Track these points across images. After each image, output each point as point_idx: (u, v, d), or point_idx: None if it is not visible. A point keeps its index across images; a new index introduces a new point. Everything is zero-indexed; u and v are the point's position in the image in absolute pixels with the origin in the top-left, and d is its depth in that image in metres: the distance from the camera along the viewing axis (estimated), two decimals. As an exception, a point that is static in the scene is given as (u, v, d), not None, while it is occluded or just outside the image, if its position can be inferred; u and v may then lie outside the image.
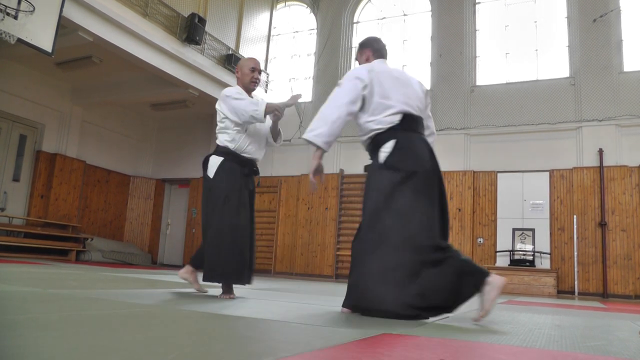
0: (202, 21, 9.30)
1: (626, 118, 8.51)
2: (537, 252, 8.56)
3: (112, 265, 9.27)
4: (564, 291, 8.28)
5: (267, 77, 11.67)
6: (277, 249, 10.80)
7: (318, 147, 2.53)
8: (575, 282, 8.16)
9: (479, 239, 9.09)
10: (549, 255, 8.57)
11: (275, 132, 3.38)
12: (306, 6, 12.14)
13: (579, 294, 8.14)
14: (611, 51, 8.85)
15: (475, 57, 10.04)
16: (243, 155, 3.21)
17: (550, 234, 8.64)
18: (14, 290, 2.61)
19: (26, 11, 6.32)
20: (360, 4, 11.58)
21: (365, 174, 2.74)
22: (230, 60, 10.09)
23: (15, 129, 9.82)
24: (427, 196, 2.45)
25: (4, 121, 9.56)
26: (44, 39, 6.65)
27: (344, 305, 2.62)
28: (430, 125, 2.79)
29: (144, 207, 12.39)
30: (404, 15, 11.08)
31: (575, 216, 8.45)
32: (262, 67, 11.98)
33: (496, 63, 9.97)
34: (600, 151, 8.51)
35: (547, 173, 8.87)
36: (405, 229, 2.36)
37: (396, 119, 2.55)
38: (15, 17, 6.20)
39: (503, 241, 8.89)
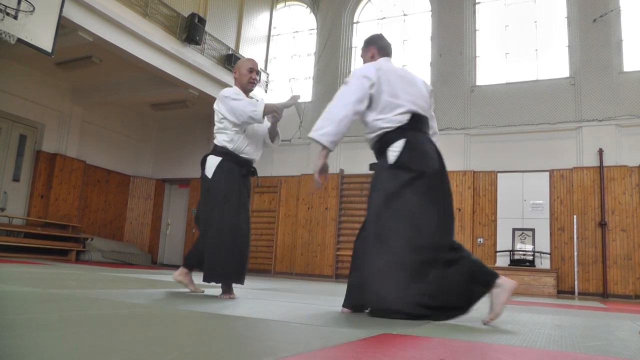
0: (202, 21, 9.30)
1: (626, 118, 8.51)
2: (537, 252, 8.56)
3: (112, 265, 9.27)
4: (564, 291, 8.28)
5: (267, 77, 11.67)
6: (277, 249, 10.80)
7: (324, 147, 2.52)
8: (575, 282, 8.17)
9: (479, 239, 9.09)
10: (549, 255, 8.57)
11: (273, 133, 3.39)
12: (306, 6, 12.14)
13: (579, 294, 8.14)
14: (611, 51, 8.85)
15: (475, 57, 10.04)
16: (241, 156, 3.22)
17: (550, 234, 8.64)
18: (14, 290, 2.61)
19: (26, 11, 6.31)
20: (360, 4, 11.58)
21: (371, 172, 2.72)
22: (230, 60, 10.09)
23: (15, 129, 9.82)
24: (436, 197, 2.44)
25: (4, 121, 9.56)
26: (44, 39, 6.65)
27: (344, 306, 2.62)
28: (433, 125, 2.78)
29: (144, 207, 12.39)
30: (404, 15, 11.08)
31: (575, 216, 8.45)
32: (262, 67, 12.04)
33: (496, 63, 9.97)
34: (600, 151, 8.51)
35: (547, 173, 8.87)
36: (416, 229, 2.35)
37: (405, 118, 2.54)
38: (15, 17, 6.20)
39: (503, 241, 8.89)
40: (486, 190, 9.21)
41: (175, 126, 12.47)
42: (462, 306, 2.29)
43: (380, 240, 2.38)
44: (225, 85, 9.17)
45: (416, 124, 2.57)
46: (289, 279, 9.42)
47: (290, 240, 10.71)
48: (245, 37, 11.47)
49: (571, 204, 8.60)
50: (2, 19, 6.04)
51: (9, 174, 9.69)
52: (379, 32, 3.02)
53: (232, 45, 10.85)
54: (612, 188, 8.37)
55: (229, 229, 3.08)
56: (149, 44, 8.37)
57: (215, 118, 3.23)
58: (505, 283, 2.24)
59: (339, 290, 5.42)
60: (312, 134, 2.54)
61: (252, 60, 3.38)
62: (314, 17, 11.97)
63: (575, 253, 8.25)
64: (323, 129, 2.51)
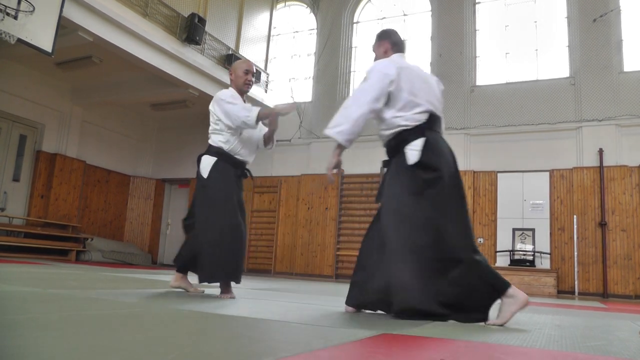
0: (202, 21, 9.30)
1: (626, 118, 8.51)
2: (537, 252, 8.56)
3: (112, 265, 9.27)
4: (564, 291, 8.28)
5: (267, 77, 11.67)
6: (277, 249, 10.80)
7: (339, 144, 2.52)
8: (576, 282, 8.16)
9: (479, 239, 9.09)
10: (549, 255, 8.57)
11: (268, 140, 3.41)
12: (306, 6, 12.14)
13: (579, 294, 8.14)
14: (611, 51, 8.85)
15: (475, 57, 10.04)
16: (236, 157, 3.24)
17: (550, 234, 8.64)
18: (14, 290, 2.61)
19: (26, 11, 6.31)
20: (360, 4, 11.58)
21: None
22: (230, 60, 10.09)
23: (15, 129, 9.82)
24: (456, 198, 2.43)
25: (4, 121, 9.56)
26: (44, 39, 6.65)
27: (348, 304, 2.61)
28: (442, 125, 2.79)
29: (144, 207, 12.39)
30: (404, 15, 11.08)
31: (575, 216, 8.45)
32: (262, 67, 12.03)
33: (496, 63, 9.97)
34: (600, 151, 8.51)
35: (547, 173, 8.87)
36: (438, 230, 2.33)
37: (423, 117, 2.53)
38: (15, 17, 6.20)
39: (503, 241, 8.89)
40: (486, 190, 9.21)
41: (175, 126, 12.48)
42: (480, 310, 2.28)
43: (404, 242, 2.36)
44: (225, 85, 9.17)
45: (432, 124, 2.55)
46: (289, 279, 9.42)
47: (290, 240, 10.71)
48: (245, 37, 11.47)
49: (571, 204, 8.60)
50: (2, 19, 6.04)
51: (9, 174, 9.69)
52: (392, 28, 2.96)
53: (232, 45, 10.85)
54: (612, 188, 8.37)
55: (230, 228, 3.08)
56: (149, 44, 8.36)
57: (211, 119, 3.24)
58: (518, 294, 2.24)
59: (339, 290, 5.42)
60: (328, 130, 2.54)
61: (248, 62, 3.40)
62: (314, 17, 11.97)
63: (576, 253, 8.25)
64: (339, 126, 2.50)
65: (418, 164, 2.43)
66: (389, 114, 2.54)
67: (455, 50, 10.04)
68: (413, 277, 2.29)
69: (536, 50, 9.71)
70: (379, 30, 2.90)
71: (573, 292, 8.17)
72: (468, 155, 9.46)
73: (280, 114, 3.19)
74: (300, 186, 10.82)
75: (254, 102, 10.84)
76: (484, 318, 2.28)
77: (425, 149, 2.44)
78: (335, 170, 2.58)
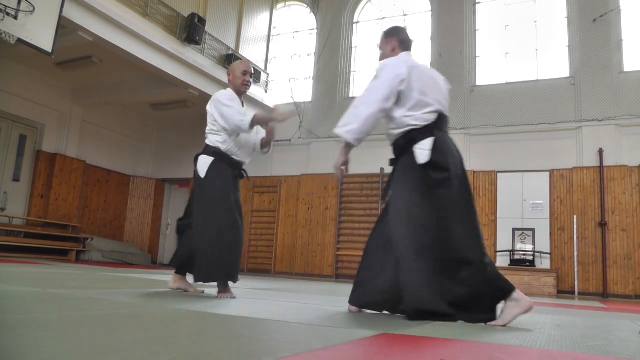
0: (202, 21, 9.30)
1: (626, 118, 8.51)
2: (537, 252, 8.56)
3: (112, 265, 9.27)
4: (564, 291, 8.28)
5: (267, 77, 11.67)
6: (277, 249, 10.80)
7: (347, 143, 2.51)
8: (576, 282, 8.16)
9: (479, 239, 9.08)
10: (549, 255, 8.57)
11: (265, 144, 3.44)
12: (306, 6, 12.14)
13: (579, 294, 8.14)
14: (611, 51, 8.85)
15: (475, 57, 10.04)
16: (233, 157, 3.25)
17: (550, 234, 8.64)
18: (14, 290, 2.61)
19: (26, 11, 6.31)
20: (360, 4, 11.58)
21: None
22: (230, 60, 10.09)
23: (15, 129, 9.82)
24: (465, 198, 2.43)
25: (4, 121, 9.56)
26: (44, 39, 6.65)
27: (352, 303, 2.60)
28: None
29: (144, 207, 12.39)
30: (404, 15, 11.08)
31: (575, 216, 8.45)
32: (262, 67, 12.02)
33: (496, 63, 9.97)
34: (600, 151, 8.51)
35: (547, 173, 8.87)
36: (449, 230, 2.32)
37: (433, 117, 2.51)
38: (15, 17, 6.20)
39: (503, 241, 8.89)
40: (486, 190, 9.21)
41: (175, 126, 12.48)
42: (487, 311, 2.28)
43: (413, 242, 2.34)
44: (225, 85, 9.17)
45: (441, 123, 2.54)
46: (289, 279, 9.42)
47: (290, 240, 10.71)
48: (245, 37, 11.47)
49: (571, 204, 8.60)
50: (2, 19, 6.04)
51: (9, 174, 9.69)
52: (401, 25, 2.93)
53: (232, 45, 10.85)
54: (612, 188, 8.37)
55: (227, 227, 3.09)
56: (149, 44, 8.36)
57: (208, 119, 3.25)
58: (522, 299, 2.25)
59: (339, 290, 5.42)
60: (337, 130, 2.53)
61: (246, 63, 3.41)
62: (314, 17, 11.97)
63: (576, 253, 8.25)
64: (348, 125, 2.49)
65: (428, 164, 2.41)
66: (398, 113, 2.52)
67: (455, 50, 10.04)
68: (423, 278, 2.28)
69: (536, 50, 9.71)
70: (387, 28, 2.87)
71: (573, 292, 8.17)
72: (468, 155, 9.45)
73: (276, 121, 3.21)
74: (300, 186, 10.82)
75: (254, 102, 10.87)
76: (492, 318, 2.27)
77: (435, 149, 2.42)
78: (342, 169, 2.58)
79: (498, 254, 8.85)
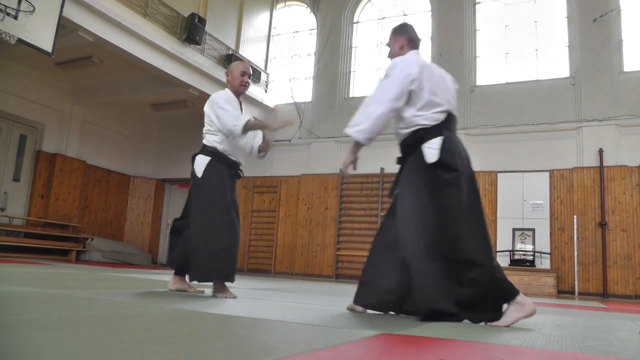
0: (202, 21, 9.30)
1: (626, 118, 8.51)
2: (537, 252, 8.56)
3: (112, 265, 9.27)
4: (564, 291, 8.28)
5: (267, 77, 11.67)
6: (277, 249, 10.80)
7: (357, 142, 2.51)
8: (575, 282, 8.16)
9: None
10: (549, 255, 8.56)
11: (262, 150, 3.47)
12: (306, 6, 12.14)
13: (579, 294, 8.14)
14: (611, 51, 8.85)
15: (475, 57, 10.04)
16: (230, 157, 3.27)
17: (550, 234, 8.64)
18: (14, 290, 2.61)
19: (26, 11, 6.31)
20: (360, 4, 11.57)
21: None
22: (230, 60, 10.09)
23: (15, 129, 9.82)
24: (473, 198, 2.42)
25: (4, 121, 9.56)
26: (44, 39, 6.65)
27: (357, 303, 2.59)
28: None
29: (144, 207, 12.39)
30: (404, 15, 11.07)
31: (575, 216, 8.45)
32: (262, 67, 12.01)
33: (496, 63, 9.97)
34: (600, 151, 8.51)
35: (547, 173, 8.87)
36: (453, 231, 2.32)
37: (442, 117, 2.50)
38: (15, 17, 6.20)
39: (503, 241, 8.89)
40: (486, 190, 9.21)
41: (175, 126, 12.48)
42: (490, 310, 2.28)
43: (422, 242, 2.33)
44: (225, 85, 9.18)
45: (449, 123, 2.53)
46: (289, 279, 9.42)
47: (290, 240, 10.71)
48: (245, 37, 11.47)
49: (571, 204, 8.60)
50: (2, 19, 6.04)
51: (9, 174, 9.69)
52: (408, 23, 2.91)
53: (232, 45, 10.85)
54: (612, 188, 8.37)
55: (224, 227, 3.11)
56: (149, 44, 8.37)
57: (205, 119, 3.28)
58: (526, 303, 2.24)
59: (339, 290, 5.42)
60: (348, 130, 2.51)
61: (244, 64, 3.45)
62: (314, 17, 11.97)
63: (576, 253, 8.25)
64: (359, 125, 2.48)
65: (437, 164, 2.40)
66: (408, 112, 2.50)
67: (455, 50, 10.04)
68: (434, 278, 2.28)
69: (536, 50, 9.71)
70: (395, 25, 2.85)
71: (573, 292, 8.17)
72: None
73: (270, 129, 3.27)
74: (300, 186, 10.82)
75: (254, 102, 10.87)
76: (496, 317, 2.27)
77: (444, 149, 2.41)
78: (351, 167, 2.58)
79: (498, 254, 8.84)
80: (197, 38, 9.13)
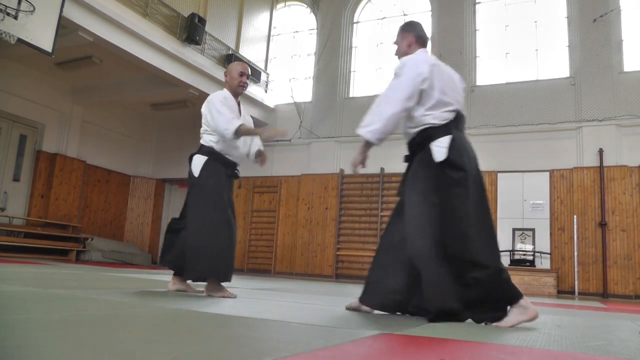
0: (202, 21, 9.30)
1: (626, 118, 8.51)
2: (537, 252, 8.56)
3: (112, 265, 9.27)
4: (564, 291, 8.28)
5: (267, 77, 11.67)
6: (277, 249, 10.80)
7: (368, 142, 2.50)
8: (576, 282, 8.16)
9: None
10: (549, 255, 8.57)
11: (258, 156, 3.49)
12: (306, 6, 12.14)
13: (579, 294, 8.14)
14: (611, 51, 8.85)
15: (475, 57, 10.04)
16: (227, 157, 3.28)
17: (550, 234, 8.64)
18: (14, 290, 2.61)
19: (26, 11, 6.31)
20: (360, 4, 11.57)
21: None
22: (230, 60, 10.08)
23: (15, 128, 9.82)
24: (480, 198, 2.42)
25: (4, 121, 9.56)
26: (44, 39, 6.65)
27: (363, 303, 2.58)
28: None
29: (144, 207, 12.39)
30: (404, 15, 11.07)
31: (575, 216, 8.45)
32: (262, 67, 12.01)
33: (496, 63, 9.97)
34: (600, 151, 8.51)
35: (547, 173, 8.87)
36: (461, 231, 2.30)
37: (451, 116, 2.50)
38: (15, 17, 6.20)
39: (503, 241, 8.88)
40: (486, 190, 9.20)
41: (175, 126, 12.48)
42: (494, 310, 2.27)
43: (430, 242, 2.32)
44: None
45: (458, 122, 2.53)
46: (289, 279, 9.42)
47: (290, 240, 10.71)
48: (245, 37, 11.47)
49: (571, 204, 8.60)
50: (2, 19, 6.04)
51: (9, 174, 9.69)
52: (417, 21, 2.88)
53: (232, 45, 10.85)
54: (612, 188, 8.37)
55: (221, 226, 3.12)
56: (149, 44, 8.37)
57: (203, 120, 3.30)
58: (529, 307, 2.24)
59: (339, 290, 5.42)
60: (359, 130, 2.50)
61: (243, 64, 3.47)
62: (314, 17, 11.97)
63: (576, 253, 8.25)
64: (371, 125, 2.46)
65: (445, 162, 2.38)
66: (418, 112, 2.49)
67: (455, 50, 10.04)
68: (442, 278, 2.28)
69: (536, 50, 9.71)
70: (403, 23, 2.83)
71: (573, 292, 8.17)
72: (468, 155, 9.45)
73: (262, 137, 3.30)
74: (300, 186, 10.82)
75: (254, 102, 10.88)
76: (500, 317, 2.26)
77: (452, 148, 2.40)
78: (360, 166, 2.58)
79: (498, 254, 8.84)
80: (197, 38, 9.13)
